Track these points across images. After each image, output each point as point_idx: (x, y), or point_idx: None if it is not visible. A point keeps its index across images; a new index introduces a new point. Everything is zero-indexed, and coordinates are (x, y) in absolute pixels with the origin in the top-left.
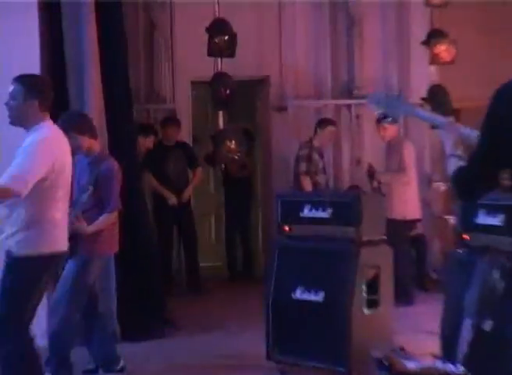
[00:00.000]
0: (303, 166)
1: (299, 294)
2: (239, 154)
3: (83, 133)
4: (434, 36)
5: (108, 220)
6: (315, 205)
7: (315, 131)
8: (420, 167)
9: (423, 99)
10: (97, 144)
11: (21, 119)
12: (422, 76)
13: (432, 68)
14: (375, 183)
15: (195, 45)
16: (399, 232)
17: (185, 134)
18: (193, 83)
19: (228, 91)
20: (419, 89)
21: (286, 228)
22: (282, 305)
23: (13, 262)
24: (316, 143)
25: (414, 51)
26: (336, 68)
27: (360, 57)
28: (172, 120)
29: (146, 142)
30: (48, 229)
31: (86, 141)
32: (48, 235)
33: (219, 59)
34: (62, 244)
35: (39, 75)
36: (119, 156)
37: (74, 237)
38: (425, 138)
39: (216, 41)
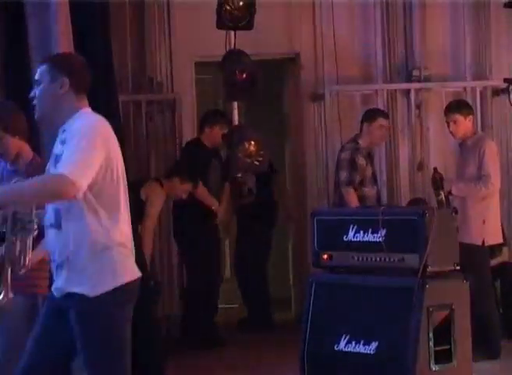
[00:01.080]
0: (344, 175)
1: (343, 344)
2: (260, 159)
3: (14, 132)
4: None
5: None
6: (363, 226)
7: (361, 127)
8: (504, 173)
9: (507, 80)
10: (29, 149)
11: (51, 108)
12: (506, 51)
13: None
14: (442, 195)
15: (200, 15)
16: (477, 261)
17: (188, 133)
18: (198, 64)
19: (244, 75)
20: (502, 68)
21: (325, 257)
22: (322, 359)
23: (90, 307)
24: (363, 143)
25: (495, 16)
26: (389, 42)
27: (422, 27)
28: (224, 116)
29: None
30: (121, 252)
31: (15, 144)
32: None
33: (233, 33)
34: (136, 269)
35: (69, 53)
36: None
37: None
38: (511, 133)
39: (228, 7)
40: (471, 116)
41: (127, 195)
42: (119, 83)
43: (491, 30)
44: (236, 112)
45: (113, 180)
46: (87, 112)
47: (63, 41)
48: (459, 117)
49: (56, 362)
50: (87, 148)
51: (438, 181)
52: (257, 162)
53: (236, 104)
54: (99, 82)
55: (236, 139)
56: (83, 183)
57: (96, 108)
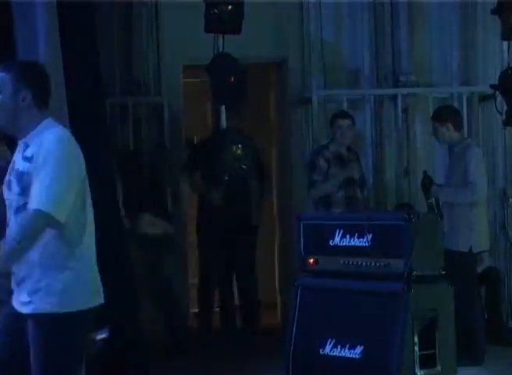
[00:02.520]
0: (307, 178)
1: (329, 349)
2: (247, 162)
3: None
4: (508, 2)
5: None
6: (350, 231)
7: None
8: (490, 179)
9: (493, 87)
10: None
11: (11, 121)
12: (492, 57)
13: (506, 45)
14: (433, 200)
15: (188, 18)
16: (464, 268)
17: (176, 136)
18: (186, 68)
19: (232, 79)
20: (488, 73)
21: (311, 261)
22: (307, 363)
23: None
24: (332, 146)
25: (482, 22)
26: (376, 47)
27: (409, 32)
28: None
29: None
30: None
31: None
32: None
33: (221, 36)
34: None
35: (31, 61)
36: (87, 165)
37: None
38: (498, 139)
39: (216, 11)
40: (449, 124)
41: (92, 214)
42: (107, 86)
43: (478, 36)
44: (223, 115)
45: (80, 200)
46: (49, 124)
47: (50, 43)
48: (437, 125)
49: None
50: (63, 178)
51: (427, 185)
52: (244, 166)
53: (223, 107)
54: (86, 85)
55: (223, 142)
56: (63, 217)
57: (83, 110)
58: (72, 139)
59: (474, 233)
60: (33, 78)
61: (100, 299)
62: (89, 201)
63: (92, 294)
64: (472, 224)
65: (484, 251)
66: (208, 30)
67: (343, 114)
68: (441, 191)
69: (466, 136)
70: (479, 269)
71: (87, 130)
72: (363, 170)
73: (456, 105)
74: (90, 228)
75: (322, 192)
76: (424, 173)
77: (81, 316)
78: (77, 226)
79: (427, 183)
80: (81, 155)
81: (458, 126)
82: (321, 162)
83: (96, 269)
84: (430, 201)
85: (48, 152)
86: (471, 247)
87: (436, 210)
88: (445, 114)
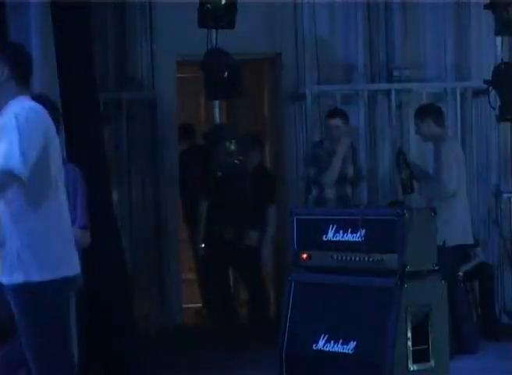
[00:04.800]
0: (311, 171)
1: (322, 344)
2: (241, 158)
3: None
4: None
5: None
6: (343, 226)
7: None
8: (484, 174)
9: (487, 82)
10: None
11: None
12: (486, 52)
13: (499, 41)
14: (404, 175)
15: (182, 13)
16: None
17: (168, 132)
18: (179, 63)
19: (226, 74)
20: (481, 68)
21: (304, 256)
22: (300, 358)
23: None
24: (327, 143)
25: (476, 18)
26: (370, 42)
27: (403, 27)
28: None
29: None
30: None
31: None
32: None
33: (214, 31)
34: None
35: (14, 41)
36: (81, 160)
37: None
38: (492, 134)
39: (210, 6)
40: (429, 120)
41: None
42: (100, 81)
43: (471, 32)
44: (217, 111)
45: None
46: (24, 99)
47: (43, 40)
48: (418, 122)
49: None
50: (26, 138)
51: (400, 160)
52: (237, 161)
53: (217, 103)
54: (80, 80)
55: (217, 138)
56: (26, 173)
57: (77, 106)
58: (40, 109)
59: (450, 227)
60: (12, 54)
61: (72, 270)
62: (57, 170)
63: (63, 263)
64: (448, 218)
65: (466, 245)
66: (202, 25)
67: (332, 113)
68: (420, 186)
69: (460, 131)
70: (472, 265)
71: (81, 125)
72: (359, 166)
73: (449, 100)
74: (60, 197)
75: (331, 178)
76: (399, 149)
77: (57, 285)
78: (40, 187)
79: (401, 159)
80: (47, 121)
81: (439, 122)
82: (321, 154)
83: (67, 240)
84: (402, 175)
85: (12, 117)
86: (444, 241)
87: (409, 185)
88: (425, 111)
